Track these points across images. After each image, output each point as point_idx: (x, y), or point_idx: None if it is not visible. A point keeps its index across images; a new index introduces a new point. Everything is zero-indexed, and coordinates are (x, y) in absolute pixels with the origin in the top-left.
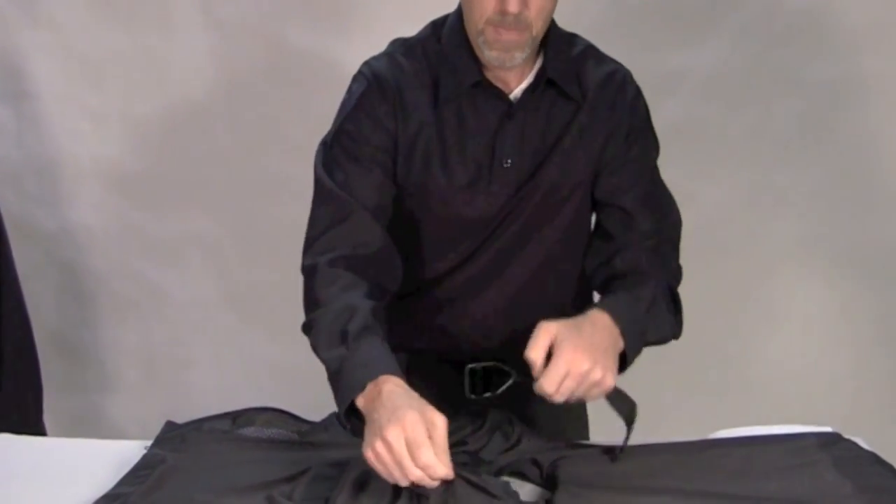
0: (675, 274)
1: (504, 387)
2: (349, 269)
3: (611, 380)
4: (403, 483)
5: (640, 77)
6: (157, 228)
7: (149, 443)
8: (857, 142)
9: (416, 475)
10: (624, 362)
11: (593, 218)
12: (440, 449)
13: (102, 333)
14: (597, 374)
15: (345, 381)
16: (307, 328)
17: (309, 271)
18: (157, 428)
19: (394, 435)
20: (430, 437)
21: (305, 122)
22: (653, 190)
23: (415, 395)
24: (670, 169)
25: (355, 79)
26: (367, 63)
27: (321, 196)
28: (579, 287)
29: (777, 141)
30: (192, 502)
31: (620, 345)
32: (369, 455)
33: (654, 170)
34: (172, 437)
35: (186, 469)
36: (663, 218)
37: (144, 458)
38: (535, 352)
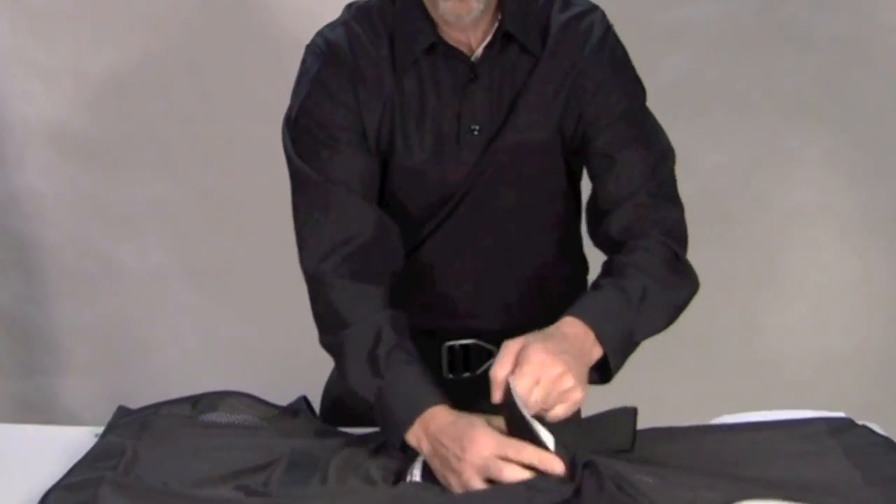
0: (676, 225)
1: (485, 367)
2: (355, 277)
3: (579, 392)
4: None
5: (638, 31)
6: (112, 196)
7: (100, 430)
8: (872, 101)
9: (526, 475)
10: (608, 371)
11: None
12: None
13: (52, 310)
14: (568, 382)
15: (389, 416)
16: (332, 349)
17: (314, 280)
18: (112, 413)
19: (474, 455)
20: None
21: (274, 80)
22: (639, 133)
23: (470, 417)
24: (670, 131)
25: (309, 50)
26: (320, 33)
27: (299, 183)
28: (559, 252)
29: (787, 100)
30: (170, 492)
31: (596, 353)
32: (456, 485)
33: (639, 111)
34: (127, 424)
35: (151, 457)
36: (656, 161)
37: (100, 446)
38: (499, 370)
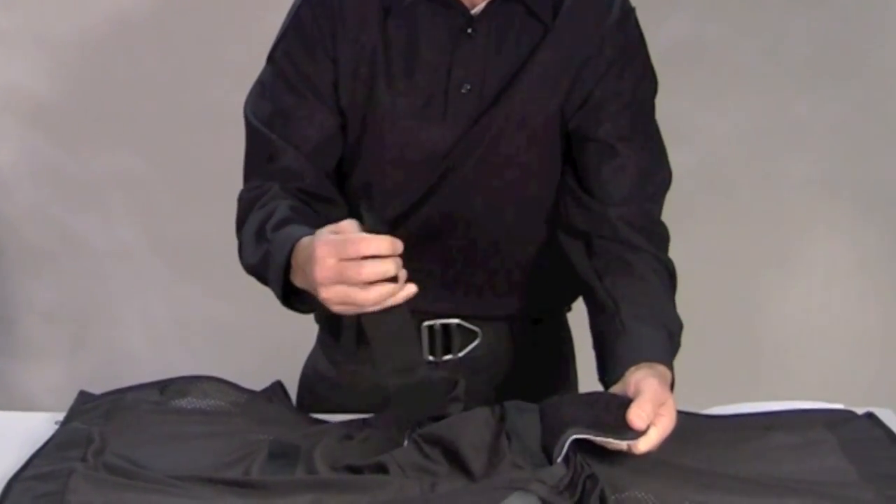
0: (666, 237)
1: (469, 348)
2: (279, 193)
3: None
4: (370, 299)
5: None
6: (75, 167)
7: (60, 416)
8: (885, 67)
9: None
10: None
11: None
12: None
13: (12, 289)
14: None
15: (272, 266)
16: (238, 253)
17: (243, 201)
18: (73, 399)
19: (323, 262)
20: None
21: (248, 45)
22: (646, 127)
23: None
24: (671, 98)
25: None
26: None
27: (247, 133)
28: (548, 236)
29: (794, 66)
30: (144, 484)
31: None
32: (326, 299)
33: (647, 106)
34: (90, 410)
35: (120, 446)
36: (654, 164)
37: (64, 433)
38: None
